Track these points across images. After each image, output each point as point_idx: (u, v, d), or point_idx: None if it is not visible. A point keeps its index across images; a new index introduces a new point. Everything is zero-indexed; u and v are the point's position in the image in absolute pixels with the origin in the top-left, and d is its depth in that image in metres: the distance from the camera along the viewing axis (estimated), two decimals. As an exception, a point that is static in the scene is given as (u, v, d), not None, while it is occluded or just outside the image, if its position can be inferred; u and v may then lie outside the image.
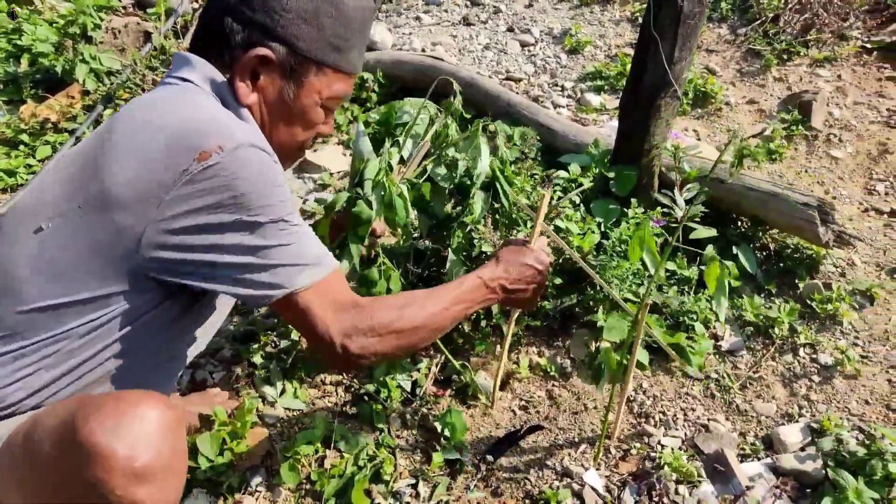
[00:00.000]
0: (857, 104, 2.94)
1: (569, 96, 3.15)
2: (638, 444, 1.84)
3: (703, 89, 3.04)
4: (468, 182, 1.85)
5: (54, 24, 3.30)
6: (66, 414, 1.02)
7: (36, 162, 2.80)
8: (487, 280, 1.42)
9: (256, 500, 1.72)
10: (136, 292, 1.14)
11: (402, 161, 1.80)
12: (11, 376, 1.13)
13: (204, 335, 1.44)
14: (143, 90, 3.05)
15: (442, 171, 1.83)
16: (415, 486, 1.75)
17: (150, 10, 3.65)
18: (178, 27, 3.48)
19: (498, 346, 2.12)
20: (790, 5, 3.30)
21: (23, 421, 1.11)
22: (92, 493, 0.97)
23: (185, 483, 1.64)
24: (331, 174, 2.83)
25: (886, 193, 2.57)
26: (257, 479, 1.75)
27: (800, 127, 2.80)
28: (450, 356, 1.98)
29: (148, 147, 1.08)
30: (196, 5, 3.75)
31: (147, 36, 3.36)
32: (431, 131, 1.82)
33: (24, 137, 2.89)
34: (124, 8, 3.72)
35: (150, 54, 3.23)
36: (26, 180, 2.71)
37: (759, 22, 3.34)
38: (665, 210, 2.22)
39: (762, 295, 2.23)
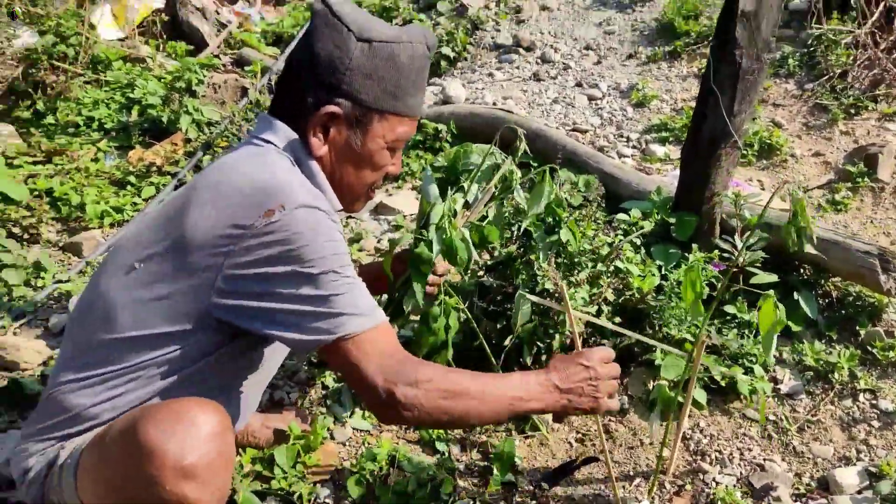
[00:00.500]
0: (927, 157, 2.94)
1: (633, 147, 3.27)
2: (692, 481, 1.88)
3: (768, 141, 3.10)
4: (531, 224, 1.98)
5: (162, 80, 3.68)
6: (131, 419, 1.18)
7: (141, 201, 3.11)
8: (560, 384, 1.38)
9: (324, 511, 1.85)
10: (205, 332, 1.31)
11: (466, 205, 1.94)
12: (101, 395, 1.31)
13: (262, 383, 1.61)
14: (239, 139, 3.35)
15: (504, 213, 1.97)
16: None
17: (247, 68, 4.01)
18: (271, 83, 3.81)
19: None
20: (858, 61, 3.34)
21: (102, 427, 1.29)
22: (147, 488, 1.12)
23: (260, 493, 1.80)
24: (404, 216, 3.02)
25: (956, 245, 2.56)
26: (326, 492, 1.88)
27: (866, 179, 2.82)
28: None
29: (224, 202, 1.26)
30: (287, 63, 4.09)
31: (244, 91, 3.70)
32: (496, 177, 1.95)
33: (132, 179, 3.21)
34: (224, 66, 4.10)
35: (246, 107, 3.56)
36: (132, 216, 3.00)
37: (826, 77, 3.39)
38: (725, 255, 2.29)
39: (823, 340, 2.25)
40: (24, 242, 2.86)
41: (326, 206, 1.32)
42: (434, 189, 1.86)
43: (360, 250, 2.84)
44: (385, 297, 1.94)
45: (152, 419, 1.15)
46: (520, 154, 2.01)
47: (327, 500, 1.86)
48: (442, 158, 2.02)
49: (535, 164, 2.93)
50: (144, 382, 1.32)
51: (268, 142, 1.39)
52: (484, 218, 1.96)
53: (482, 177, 1.90)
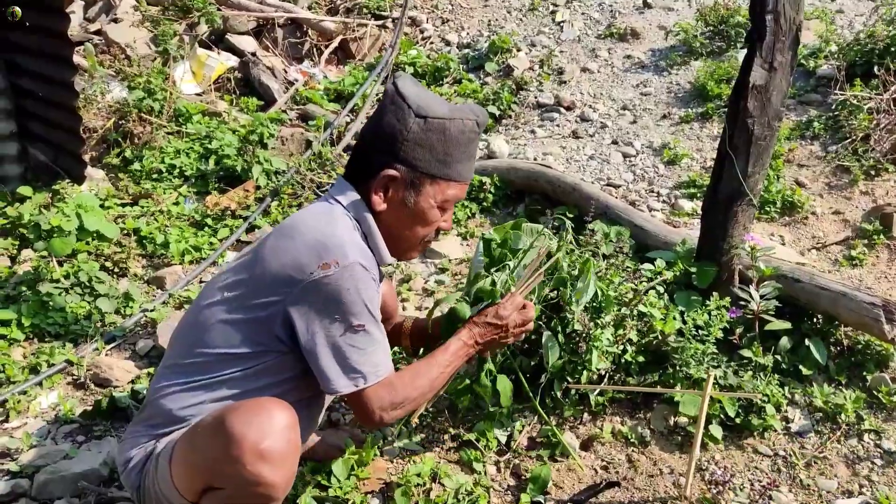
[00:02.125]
0: (943, 217, 3.12)
1: (664, 202, 3.52)
2: (706, 506, 2.09)
3: (790, 199, 3.32)
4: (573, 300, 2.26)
5: (236, 133, 4.09)
6: (218, 413, 1.50)
7: (217, 241, 3.48)
8: (466, 339, 1.86)
9: (374, 518, 2.10)
10: (276, 355, 1.62)
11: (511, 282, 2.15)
12: (191, 401, 1.63)
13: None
14: (304, 186, 3.71)
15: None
16: (505, 524, 2.08)
17: (311, 123, 4.41)
18: (333, 137, 4.20)
19: (585, 414, 2.44)
20: (880, 126, 3.55)
21: (192, 424, 1.61)
22: (230, 467, 1.42)
23: (319, 499, 2.06)
24: (449, 260, 3.32)
25: (966, 301, 2.72)
26: (375, 502, 2.14)
27: (881, 236, 3.01)
28: (546, 417, 2.32)
29: (292, 249, 1.59)
30: (348, 119, 4.48)
31: (308, 143, 4.09)
32: (546, 265, 2.19)
33: (209, 221, 3.59)
34: (290, 120, 4.51)
35: (310, 158, 3.93)
36: (209, 254, 3.37)
37: (849, 140, 3.60)
38: (742, 303, 2.51)
39: (832, 384, 2.43)
40: (115, 275, 3.23)
41: (374, 268, 1.64)
42: (481, 263, 2.21)
43: (409, 290, 3.13)
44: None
45: (236, 411, 1.46)
46: (565, 245, 2.29)
47: (377, 508, 2.12)
48: (495, 233, 2.31)
49: (572, 216, 3.21)
50: (226, 392, 1.62)
51: (337, 201, 1.70)
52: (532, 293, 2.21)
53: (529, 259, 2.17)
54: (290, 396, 1.63)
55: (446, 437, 2.37)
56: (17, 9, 3.34)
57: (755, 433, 2.33)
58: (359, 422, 1.79)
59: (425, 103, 1.64)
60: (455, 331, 1.97)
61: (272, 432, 1.44)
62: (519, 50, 5.13)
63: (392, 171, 1.65)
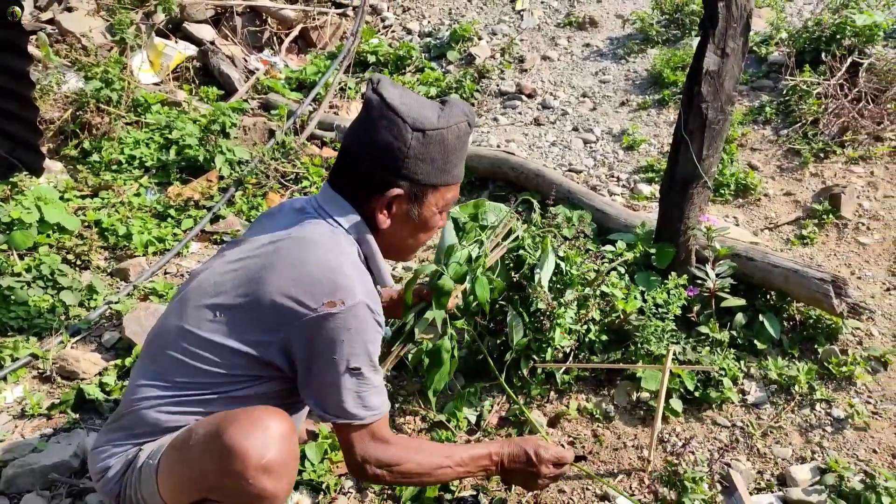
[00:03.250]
0: (888, 197, 3.26)
1: (623, 186, 3.61)
2: (668, 477, 2.17)
3: (744, 182, 3.43)
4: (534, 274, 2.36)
5: (197, 122, 4.05)
6: (213, 426, 1.46)
7: (181, 231, 3.45)
8: (493, 453, 1.79)
9: (348, 499, 2.14)
10: (270, 378, 1.58)
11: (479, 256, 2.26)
12: (178, 413, 1.57)
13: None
14: (268, 176, 3.71)
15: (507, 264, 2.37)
16: (475, 497, 2.14)
17: (273, 112, 4.39)
18: (296, 126, 4.19)
19: (552, 392, 2.51)
20: (828, 110, 3.69)
21: (179, 432, 1.56)
22: (231, 482, 1.40)
23: (294, 482, 2.09)
24: (416, 247, 3.36)
25: (909, 275, 2.87)
26: (349, 483, 2.18)
27: (830, 216, 3.14)
28: (513, 396, 2.39)
29: (299, 279, 1.50)
30: (311, 108, 4.47)
31: (271, 133, 4.07)
32: (510, 238, 2.33)
33: (171, 212, 3.56)
34: (252, 110, 4.48)
35: (274, 147, 3.92)
36: (172, 245, 3.35)
37: (799, 124, 3.73)
38: (699, 281, 2.61)
39: (786, 358, 2.54)
40: (77, 268, 3.20)
41: (378, 305, 1.57)
42: (453, 235, 2.27)
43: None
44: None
45: (232, 424, 1.43)
46: (533, 226, 2.39)
47: (351, 490, 2.16)
48: (461, 210, 2.37)
49: (535, 200, 3.27)
50: (217, 406, 1.57)
51: (338, 223, 1.61)
52: (493, 268, 2.33)
53: (495, 233, 2.28)
54: (281, 400, 1.61)
55: (417, 418, 2.42)
56: (18, 9, 3.22)
57: (713, 405, 2.43)
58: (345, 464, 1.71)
59: (418, 113, 1.57)
60: (443, 305, 2.02)
61: (273, 445, 1.42)
62: (480, 38, 5.18)
63: (396, 191, 1.59)
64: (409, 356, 2.33)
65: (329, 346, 1.50)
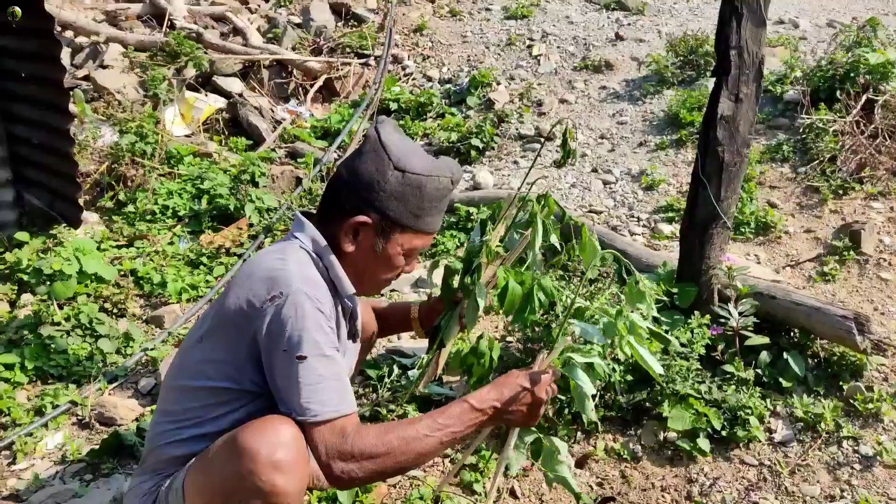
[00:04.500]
0: (908, 232, 3.29)
1: (644, 226, 3.67)
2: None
3: (764, 220, 3.47)
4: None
5: (227, 172, 4.20)
6: (229, 435, 1.56)
7: (213, 279, 3.56)
8: (475, 403, 1.63)
9: (380, 541, 2.18)
10: (247, 384, 1.65)
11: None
12: (190, 445, 1.66)
13: None
14: (296, 223, 3.82)
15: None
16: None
17: (299, 160, 4.53)
18: (322, 173, 4.32)
19: (579, 432, 2.54)
20: (845, 147, 3.73)
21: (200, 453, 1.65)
22: (246, 481, 1.48)
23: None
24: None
25: (932, 310, 2.88)
26: (381, 525, 2.22)
27: (851, 252, 3.17)
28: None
29: (248, 286, 1.63)
30: (336, 155, 4.61)
31: (298, 181, 4.21)
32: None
33: (204, 259, 3.68)
34: (280, 158, 4.63)
35: (301, 195, 4.04)
36: (206, 293, 3.45)
37: (817, 161, 3.78)
38: (722, 320, 2.64)
39: (811, 395, 2.56)
40: (114, 316, 3.30)
41: (325, 297, 1.61)
42: (477, 241, 2.12)
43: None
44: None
45: (245, 430, 1.53)
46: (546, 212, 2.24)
47: (382, 533, 2.20)
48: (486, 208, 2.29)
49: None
50: (222, 428, 1.64)
51: (295, 237, 1.71)
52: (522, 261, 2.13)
53: (517, 226, 2.11)
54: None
55: (445, 459, 2.46)
56: (18, 9, 3.32)
57: (741, 444, 2.44)
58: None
59: (405, 156, 1.67)
60: (452, 294, 1.95)
61: (282, 443, 1.50)
62: (499, 84, 5.31)
63: (364, 218, 1.67)
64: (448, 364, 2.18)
65: (277, 340, 1.55)
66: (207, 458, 1.60)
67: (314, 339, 1.56)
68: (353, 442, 1.53)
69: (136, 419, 2.72)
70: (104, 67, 5.23)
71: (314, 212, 1.82)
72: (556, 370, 1.77)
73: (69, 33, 5.58)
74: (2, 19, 3.33)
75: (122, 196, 4.12)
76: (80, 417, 2.74)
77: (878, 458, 2.32)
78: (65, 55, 5.41)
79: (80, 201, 3.78)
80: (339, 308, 1.77)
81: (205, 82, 5.30)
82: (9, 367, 2.89)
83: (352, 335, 1.90)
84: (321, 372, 1.57)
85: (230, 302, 1.64)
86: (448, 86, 5.49)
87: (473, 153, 4.58)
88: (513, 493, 2.31)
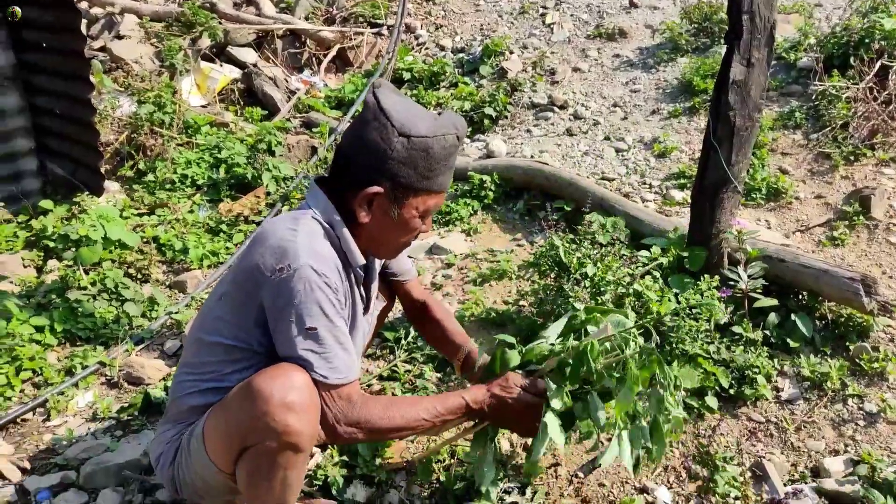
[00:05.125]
0: (919, 198, 3.32)
1: (656, 192, 3.71)
2: (705, 470, 2.27)
3: (775, 186, 3.51)
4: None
5: (244, 142, 4.26)
6: (244, 381, 1.63)
7: (233, 245, 3.65)
8: (470, 401, 1.81)
9: (399, 492, 2.28)
10: (256, 346, 1.73)
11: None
12: (208, 397, 1.76)
13: None
14: (312, 190, 3.90)
15: None
16: (521, 491, 2.25)
17: (314, 130, 4.59)
18: (337, 142, 4.37)
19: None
20: (858, 114, 3.74)
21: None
22: (260, 421, 1.56)
23: (348, 477, 2.23)
24: (455, 255, 3.49)
25: (940, 274, 2.92)
26: (400, 477, 2.31)
27: (861, 217, 3.20)
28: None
29: (260, 252, 1.68)
30: (350, 124, 4.66)
31: (314, 150, 4.27)
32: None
33: (223, 227, 3.76)
34: (295, 128, 4.69)
35: (317, 163, 4.11)
36: (226, 259, 3.54)
37: (829, 128, 3.79)
38: (731, 283, 2.70)
39: (818, 355, 2.62)
40: (139, 281, 3.40)
41: (331, 271, 1.66)
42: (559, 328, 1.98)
43: (418, 285, 3.30)
44: None
45: (259, 376, 1.61)
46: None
47: (401, 483, 2.30)
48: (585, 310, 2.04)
49: (569, 209, 3.39)
50: (238, 381, 1.71)
51: (309, 206, 1.74)
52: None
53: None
54: None
55: (462, 417, 2.54)
56: (18, 9, 3.39)
57: (748, 402, 2.51)
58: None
59: (408, 120, 1.66)
60: (493, 379, 1.90)
61: (294, 387, 1.58)
62: (511, 52, 5.32)
63: (376, 188, 1.69)
64: None
65: (285, 309, 1.62)
66: (224, 404, 1.68)
67: (326, 312, 1.64)
68: (359, 410, 1.68)
69: (163, 378, 2.82)
70: (120, 38, 5.28)
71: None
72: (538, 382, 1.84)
73: (84, 4, 5.63)
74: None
75: (141, 165, 4.20)
76: (108, 377, 2.85)
77: (881, 414, 2.38)
78: (82, 24, 5.46)
79: (102, 170, 3.87)
80: (353, 277, 1.83)
81: (219, 52, 5.35)
82: (39, 329, 2.99)
83: (366, 304, 1.96)
84: (328, 341, 1.65)
85: (243, 265, 1.71)
86: (461, 55, 5.51)
87: (487, 122, 4.62)
88: (526, 448, 2.39)
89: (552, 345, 1.94)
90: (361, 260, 1.80)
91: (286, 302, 1.62)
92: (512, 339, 2.04)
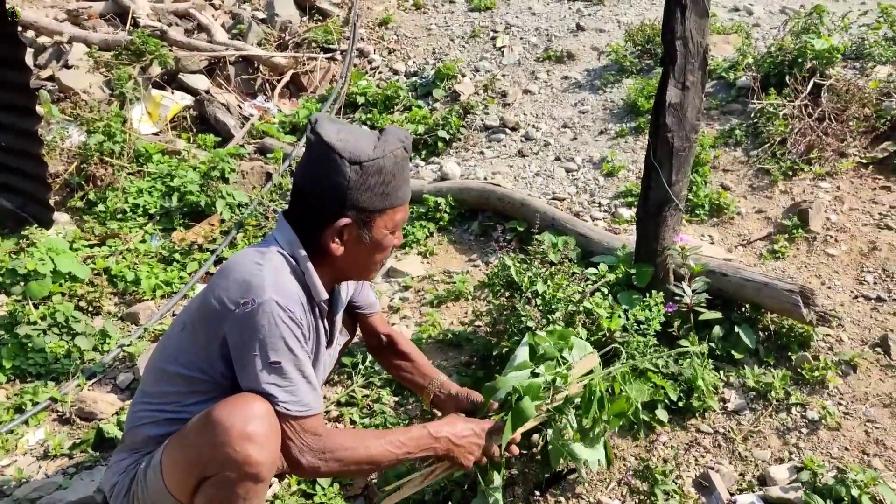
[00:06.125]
0: (853, 210, 3.46)
1: (605, 211, 3.81)
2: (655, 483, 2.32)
3: (717, 202, 3.63)
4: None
5: (197, 169, 4.24)
6: (204, 412, 1.64)
7: (186, 275, 3.62)
8: (433, 432, 1.87)
9: (359, 519, 2.29)
10: (219, 377, 1.75)
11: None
12: (166, 427, 1.77)
13: None
14: (267, 217, 3.89)
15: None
16: None
17: (269, 156, 4.59)
18: (292, 168, 4.38)
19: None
20: (795, 130, 3.90)
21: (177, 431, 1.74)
22: (220, 451, 1.57)
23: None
24: (412, 278, 3.53)
25: (874, 283, 3.05)
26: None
27: (800, 230, 3.34)
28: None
29: (225, 286, 1.68)
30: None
31: (268, 176, 4.27)
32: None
33: (177, 256, 3.73)
34: (249, 154, 4.68)
35: (271, 189, 4.11)
36: (179, 288, 3.51)
37: (768, 145, 3.94)
38: (677, 298, 2.78)
39: (763, 366, 2.71)
40: (90, 314, 3.35)
41: (295, 305, 1.68)
42: (525, 355, 2.20)
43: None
44: None
45: (220, 405, 1.62)
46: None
47: (360, 509, 2.31)
48: (546, 335, 2.30)
49: (521, 229, 3.46)
50: (196, 412, 1.72)
51: (276, 241, 1.77)
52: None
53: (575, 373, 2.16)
54: None
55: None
56: (18, 9, 3.35)
57: (696, 414, 2.58)
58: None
59: (354, 147, 1.70)
60: (519, 426, 2.00)
61: (255, 417, 1.60)
62: (464, 76, 5.41)
63: (343, 220, 1.72)
64: None
65: (249, 343, 1.64)
66: (183, 434, 1.68)
67: (290, 347, 1.66)
68: (325, 442, 1.71)
69: (116, 413, 2.79)
70: (69, 67, 5.22)
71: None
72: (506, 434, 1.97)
73: (31, 33, 5.56)
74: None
75: (92, 196, 4.14)
76: (60, 413, 2.80)
77: (822, 421, 2.47)
78: (28, 56, 5.39)
79: (51, 202, 3.81)
80: (317, 311, 1.85)
81: (171, 80, 5.32)
82: (-13, 367, 2.93)
83: (329, 337, 1.98)
84: (292, 375, 1.67)
85: (207, 297, 1.72)
86: (414, 79, 5.58)
87: (440, 144, 4.68)
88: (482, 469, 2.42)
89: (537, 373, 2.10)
90: (325, 294, 1.82)
91: (250, 336, 1.64)
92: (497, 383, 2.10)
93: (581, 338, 2.33)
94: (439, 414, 2.30)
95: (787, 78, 4.13)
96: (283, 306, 1.65)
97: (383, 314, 2.41)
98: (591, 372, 2.19)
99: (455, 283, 3.38)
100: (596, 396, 2.07)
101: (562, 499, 2.34)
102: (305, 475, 2.07)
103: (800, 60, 4.14)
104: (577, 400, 2.11)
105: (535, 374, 2.12)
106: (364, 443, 1.77)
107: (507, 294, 2.93)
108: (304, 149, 1.79)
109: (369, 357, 2.89)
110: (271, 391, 1.65)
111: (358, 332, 2.36)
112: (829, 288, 3.07)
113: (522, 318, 2.58)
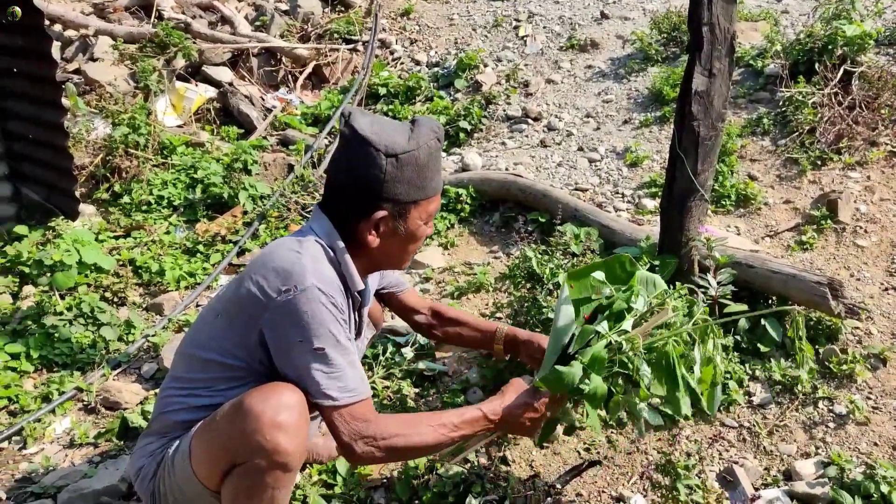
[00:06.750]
0: (884, 200, 3.38)
1: (628, 202, 3.76)
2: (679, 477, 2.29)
3: (744, 192, 3.56)
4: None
5: (220, 161, 4.27)
6: (236, 399, 1.65)
7: (210, 266, 3.65)
8: (488, 413, 1.83)
9: (379, 510, 2.29)
10: (256, 364, 1.76)
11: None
12: (196, 413, 1.78)
13: None
14: (289, 209, 3.90)
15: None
16: (499, 502, 2.27)
17: (291, 147, 4.60)
18: (314, 159, 4.39)
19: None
20: (824, 119, 3.81)
21: (206, 417, 1.74)
22: (251, 439, 1.57)
23: (327, 496, 2.24)
24: (433, 269, 3.52)
25: (906, 275, 2.98)
26: (379, 495, 2.32)
27: (829, 221, 3.26)
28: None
29: (264, 274, 1.71)
30: (327, 141, 4.68)
31: (290, 167, 4.28)
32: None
33: (200, 247, 3.76)
34: (271, 146, 4.70)
35: (293, 181, 4.12)
36: (203, 279, 3.54)
37: (796, 134, 3.86)
38: (702, 290, 2.74)
39: (789, 359, 2.66)
40: (115, 305, 3.39)
41: (336, 292, 1.69)
42: (570, 312, 1.86)
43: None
44: None
45: (251, 394, 1.63)
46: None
47: (380, 501, 2.31)
48: (572, 283, 2.00)
49: (543, 220, 3.42)
50: (230, 398, 1.73)
51: (312, 230, 1.79)
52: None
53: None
54: None
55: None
56: (17, 9, 3.37)
57: (721, 408, 2.54)
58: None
59: (389, 139, 1.71)
60: (558, 389, 1.83)
61: (286, 407, 1.60)
62: (486, 66, 5.37)
63: (380, 213, 1.74)
64: None
65: (291, 332, 1.65)
66: (214, 421, 1.69)
67: (329, 331, 1.65)
68: (375, 427, 1.68)
69: (141, 402, 2.82)
70: (94, 60, 5.28)
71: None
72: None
73: (58, 27, 5.63)
74: (-3, 18, 3.40)
75: (117, 187, 4.19)
76: (85, 403, 2.84)
77: (850, 416, 2.42)
78: (55, 49, 5.45)
79: (77, 194, 3.86)
80: (351, 302, 1.85)
81: (195, 72, 5.36)
82: (15, 356, 2.98)
83: (358, 329, 1.98)
84: (338, 361, 1.67)
85: (245, 287, 1.72)
86: (436, 69, 5.55)
87: (462, 135, 4.66)
88: (504, 461, 2.41)
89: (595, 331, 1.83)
90: (361, 285, 1.84)
91: (293, 323, 1.64)
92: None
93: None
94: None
95: (817, 65, 4.04)
96: (326, 292, 1.66)
97: (414, 290, 2.41)
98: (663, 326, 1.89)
99: (476, 274, 3.36)
100: (677, 361, 1.84)
101: (583, 492, 2.32)
102: (362, 462, 2.05)
103: (830, 47, 4.04)
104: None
105: (588, 334, 1.82)
106: (417, 429, 1.74)
107: (529, 286, 2.91)
108: (337, 142, 1.79)
109: (390, 347, 2.89)
110: (317, 378, 1.65)
111: (383, 323, 2.36)
112: (858, 280, 3.00)
113: (544, 310, 2.55)
